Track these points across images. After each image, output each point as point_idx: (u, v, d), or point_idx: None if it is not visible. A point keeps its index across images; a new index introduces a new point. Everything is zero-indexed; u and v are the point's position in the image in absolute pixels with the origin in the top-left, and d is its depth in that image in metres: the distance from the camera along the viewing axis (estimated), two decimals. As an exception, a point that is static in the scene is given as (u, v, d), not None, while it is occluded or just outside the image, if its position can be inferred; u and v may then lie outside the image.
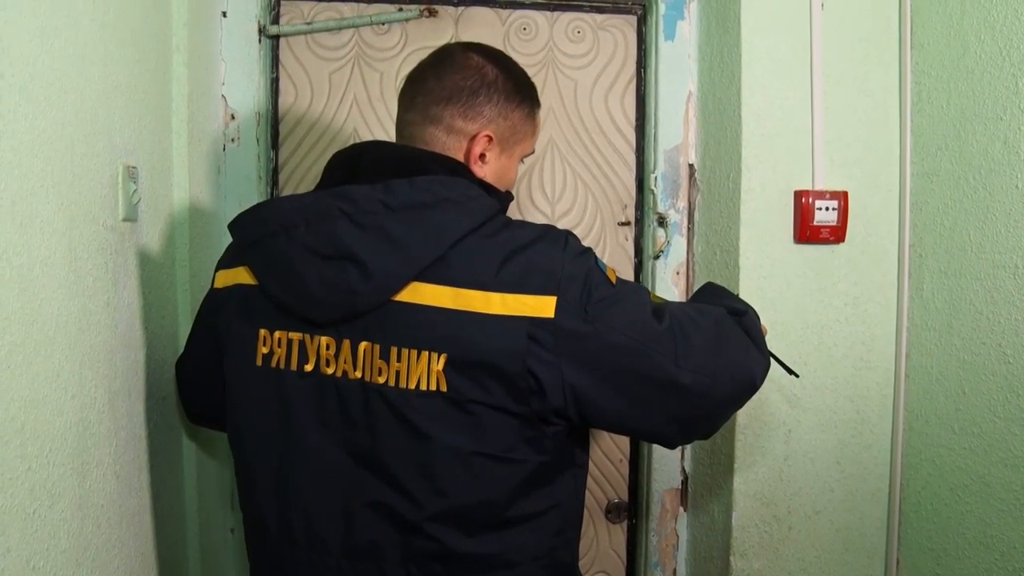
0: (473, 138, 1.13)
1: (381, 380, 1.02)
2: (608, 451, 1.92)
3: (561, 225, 1.85)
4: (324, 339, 1.05)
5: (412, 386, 1.01)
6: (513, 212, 1.83)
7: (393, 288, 1.01)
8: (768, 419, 1.63)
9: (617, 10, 1.87)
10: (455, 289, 1.00)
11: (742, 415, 1.61)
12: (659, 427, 1.09)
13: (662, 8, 1.80)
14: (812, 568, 1.68)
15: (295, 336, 1.07)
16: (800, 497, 1.66)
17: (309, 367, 1.06)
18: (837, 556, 1.69)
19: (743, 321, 1.17)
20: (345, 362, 1.04)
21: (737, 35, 1.60)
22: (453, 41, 1.79)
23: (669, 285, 1.83)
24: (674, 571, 1.89)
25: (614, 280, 1.07)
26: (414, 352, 1.01)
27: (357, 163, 1.09)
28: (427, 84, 1.15)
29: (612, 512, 1.93)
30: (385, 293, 1.01)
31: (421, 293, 1.00)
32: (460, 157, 1.13)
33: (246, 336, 1.11)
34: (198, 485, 1.50)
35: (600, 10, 1.86)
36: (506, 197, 1.16)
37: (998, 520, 1.40)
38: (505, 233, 1.04)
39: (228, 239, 1.70)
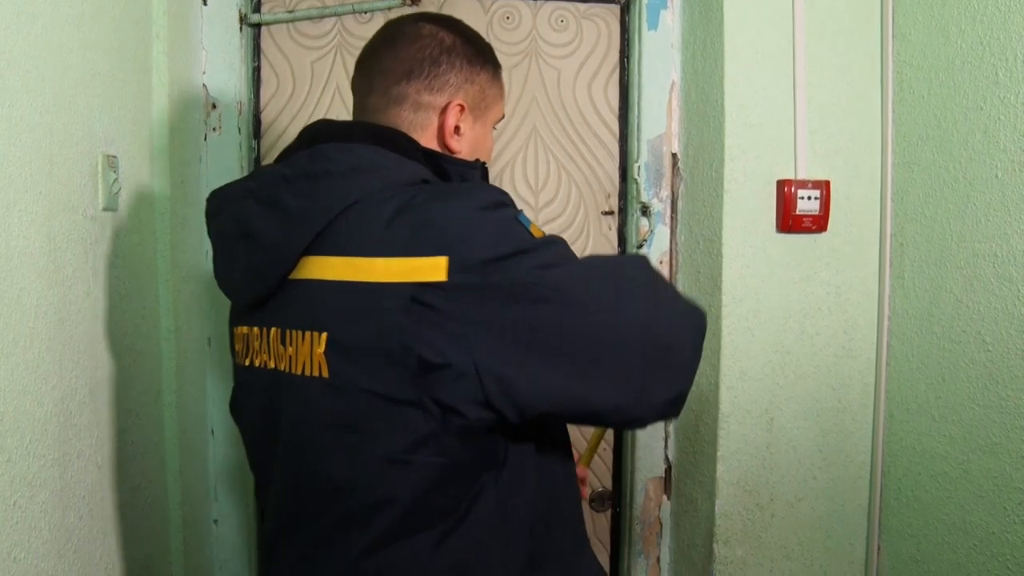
0: (444, 110, 1.04)
1: (282, 367, 0.94)
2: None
3: (544, 214, 1.86)
4: (256, 330, 0.99)
5: (299, 371, 0.91)
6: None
7: (285, 262, 0.92)
8: (751, 407, 1.64)
9: (600, -1, 1.87)
10: (340, 258, 0.88)
11: (725, 403, 1.62)
12: (611, 396, 0.88)
13: (645, -3, 1.80)
14: (794, 554, 1.69)
15: (243, 331, 1.02)
16: (782, 485, 1.67)
17: (247, 361, 1.02)
18: (819, 542, 1.70)
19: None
20: (264, 352, 0.97)
21: (720, 25, 1.60)
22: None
23: (653, 275, 1.84)
24: (658, 559, 1.90)
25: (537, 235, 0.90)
26: (299, 334, 0.91)
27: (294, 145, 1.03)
28: (383, 63, 1.05)
29: (596, 500, 1.94)
30: (278, 268, 0.92)
31: (310, 267, 0.90)
32: (433, 133, 1.05)
33: (230, 336, 1.10)
34: (181, 476, 1.49)
35: (583, -1, 1.86)
36: (474, 165, 1.07)
37: (977, 506, 1.41)
38: (406, 194, 0.89)
39: (210, 229, 1.69)
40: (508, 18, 1.83)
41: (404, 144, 0.99)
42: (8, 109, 0.91)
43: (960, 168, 1.44)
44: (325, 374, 0.88)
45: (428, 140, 1.05)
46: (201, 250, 1.66)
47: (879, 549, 1.69)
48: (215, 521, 1.74)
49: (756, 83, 1.61)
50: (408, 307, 0.83)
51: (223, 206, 1.01)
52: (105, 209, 1.18)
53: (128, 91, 1.29)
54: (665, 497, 1.89)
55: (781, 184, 1.60)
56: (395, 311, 0.83)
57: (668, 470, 1.88)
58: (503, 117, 1.18)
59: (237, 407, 1.09)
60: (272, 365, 0.96)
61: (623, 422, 0.99)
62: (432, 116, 1.04)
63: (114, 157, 1.21)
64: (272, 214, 0.92)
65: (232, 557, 1.76)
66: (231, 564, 1.76)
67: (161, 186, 1.43)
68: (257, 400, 1.01)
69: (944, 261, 1.48)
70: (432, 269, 0.82)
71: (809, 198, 1.60)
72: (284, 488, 0.98)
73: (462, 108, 1.05)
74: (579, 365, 0.86)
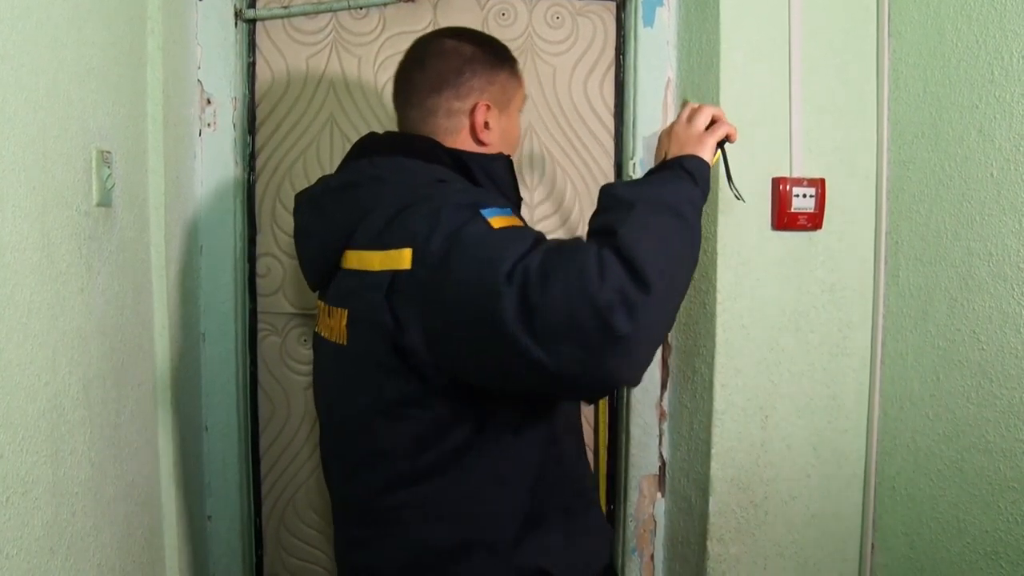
0: (472, 112, 1.19)
1: (327, 335, 1.16)
2: (586, 437, 1.93)
3: (540, 211, 1.85)
4: (321, 303, 1.20)
5: (334, 339, 1.12)
6: (492, 199, 1.83)
7: (328, 252, 1.13)
8: (745, 404, 1.64)
9: (597, -4, 1.86)
10: (357, 252, 1.07)
11: (719, 400, 1.62)
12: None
13: (642, -6, 1.80)
14: (788, 552, 1.69)
15: (318, 304, 1.22)
16: (777, 483, 1.67)
17: (316, 328, 1.23)
18: (813, 540, 1.70)
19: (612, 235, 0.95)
20: (323, 323, 1.18)
21: (716, 22, 1.60)
22: (430, 28, 1.79)
23: (648, 272, 1.83)
24: (651, 556, 1.90)
25: (499, 226, 0.98)
26: (336, 310, 1.12)
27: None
28: (414, 80, 1.22)
29: (591, 498, 1.94)
30: (325, 260, 1.14)
31: (347, 259, 1.10)
32: (467, 133, 1.20)
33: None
34: (174, 473, 1.49)
35: (580, -4, 1.85)
36: (496, 158, 1.23)
37: (971, 505, 1.42)
38: (408, 199, 1.04)
39: (205, 225, 1.69)
40: (504, 15, 1.83)
41: (429, 150, 1.16)
42: (1, 103, 0.91)
43: (955, 166, 1.44)
44: (344, 342, 1.09)
45: (463, 140, 1.21)
46: (195, 246, 1.65)
47: (873, 547, 1.69)
48: (209, 517, 1.74)
49: (752, 80, 1.60)
50: (387, 290, 1.00)
51: (297, 206, 1.22)
52: (99, 204, 1.18)
53: (123, 86, 1.29)
54: (659, 494, 1.89)
55: (776, 182, 1.60)
56: (381, 292, 1.00)
57: (662, 467, 1.88)
58: (525, 98, 1.33)
59: (314, 365, 1.29)
60: (325, 334, 1.17)
61: (557, 388, 0.97)
62: (463, 119, 1.20)
63: (108, 152, 1.21)
64: (317, 216, 1.16)
65: (225, 553, 1.76)
66: (224, 559, 1.76)
67: (155, 182, 1.42)
68: (317, 358, 1.24)
69: (939, 259, 1.49)
70: (403, 258, 0.99)
71: (804, 196, 1.60)
72: (326, 428, 1.22)
73: (488, 107, 1.20)
74: (477, 353, 0.95)
